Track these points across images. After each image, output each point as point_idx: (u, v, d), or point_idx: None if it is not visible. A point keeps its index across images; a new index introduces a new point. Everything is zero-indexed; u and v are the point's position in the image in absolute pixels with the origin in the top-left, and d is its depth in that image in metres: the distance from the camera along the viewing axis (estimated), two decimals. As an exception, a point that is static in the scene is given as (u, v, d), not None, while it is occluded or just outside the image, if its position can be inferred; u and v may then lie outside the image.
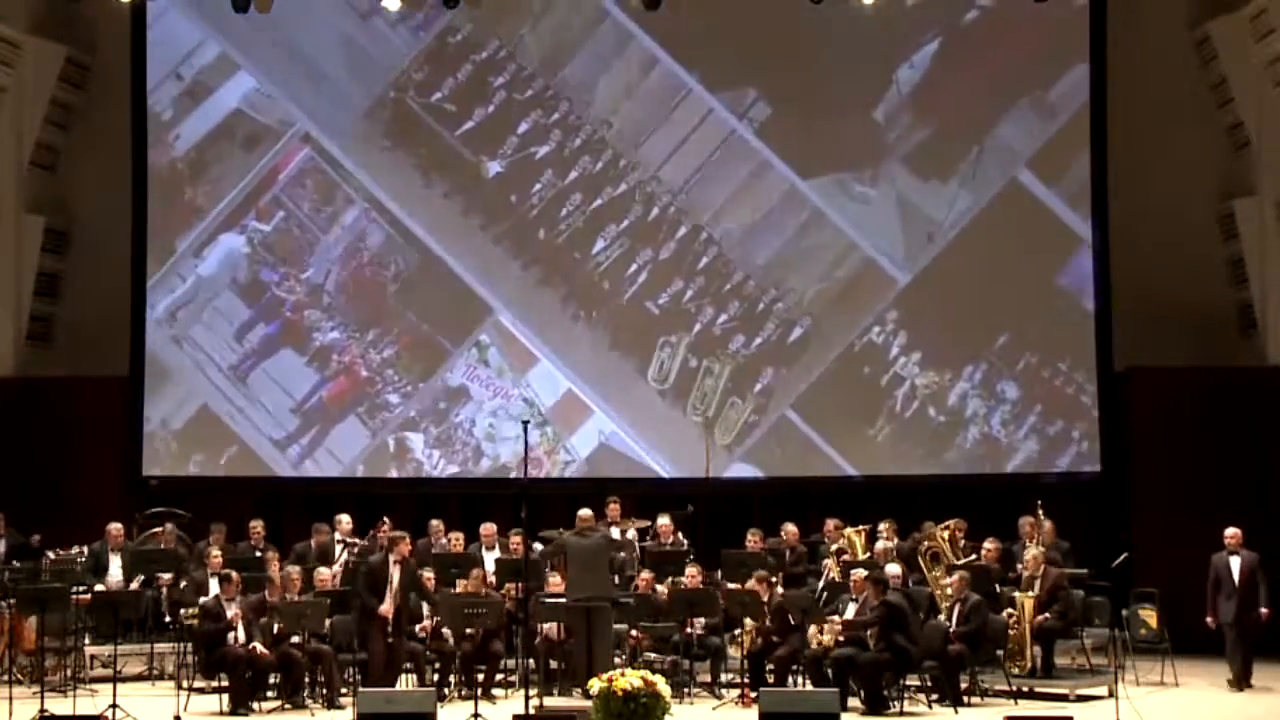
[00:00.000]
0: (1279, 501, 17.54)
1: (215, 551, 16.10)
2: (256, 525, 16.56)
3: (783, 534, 15.32)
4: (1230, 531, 15.03)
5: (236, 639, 14.22)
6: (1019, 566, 15.41)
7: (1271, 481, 17.70)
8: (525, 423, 14.07)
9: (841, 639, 13.95)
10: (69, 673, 15.09)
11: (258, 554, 16.04)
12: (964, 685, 14.30)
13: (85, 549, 16.37)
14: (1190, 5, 18.65)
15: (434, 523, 16.40)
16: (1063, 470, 17.56)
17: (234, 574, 14.65)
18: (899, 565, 14.79)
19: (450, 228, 17.20)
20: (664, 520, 15.76)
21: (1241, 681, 14.84)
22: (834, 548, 15.47)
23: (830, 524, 15.94)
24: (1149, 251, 18.14)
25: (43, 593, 14.79)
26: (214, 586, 15.25)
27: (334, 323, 17.31)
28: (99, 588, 16.12)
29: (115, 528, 16.46)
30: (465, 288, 17.15)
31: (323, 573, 15.17)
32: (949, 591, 14.63)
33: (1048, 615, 14.79)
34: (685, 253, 17.02)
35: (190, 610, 15.35)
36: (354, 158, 17.31)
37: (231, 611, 14.30)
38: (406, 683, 14.56)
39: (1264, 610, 14.68)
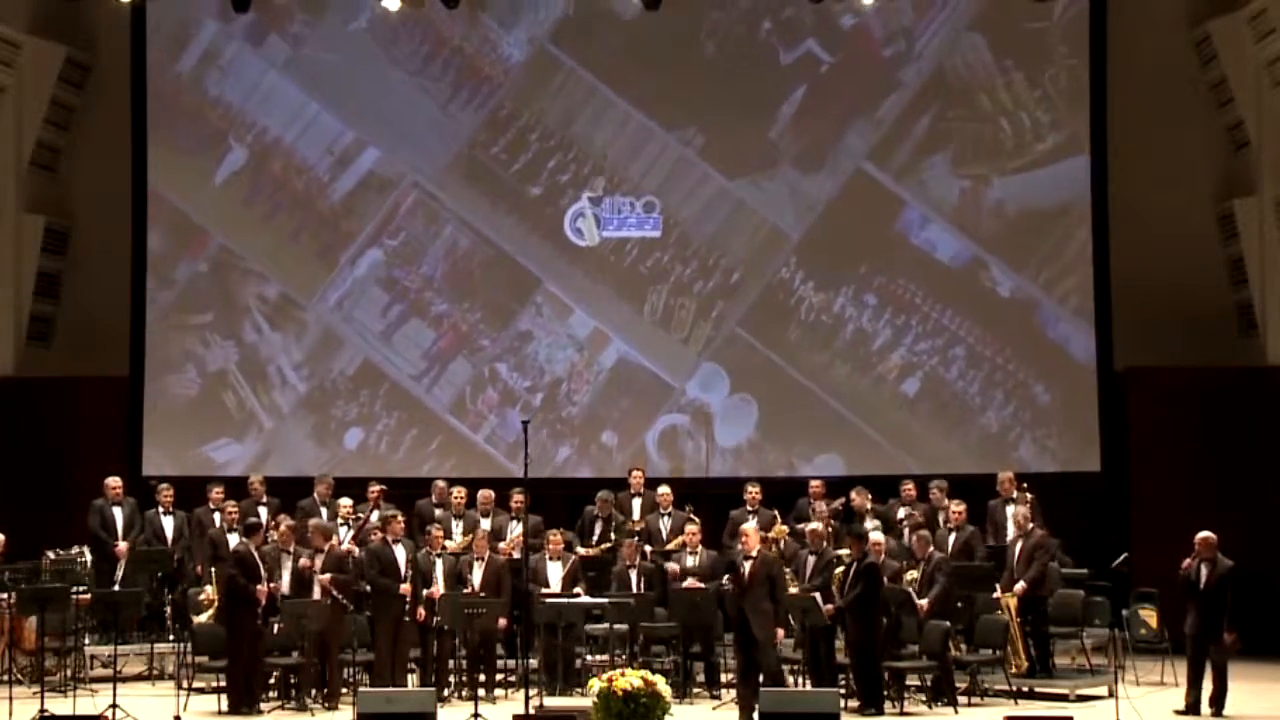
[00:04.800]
0: (1278, 501, 16.54)
1: (231, 505, 15.37)
2: (255, 480, 16.20)
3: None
4: (1200, 536, 12.94)
5: (262, 587, 12.91)
6: (1007, 532, 14.26)
7: (1270, 481, 16.52)
8: (525, 423, 14.97)
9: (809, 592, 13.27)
10: (69, 673, 13.98)
11: (260, 506, 15.87)
12: (964, 685, 13.37)
13: (85, 549, 15.27)
14: (1190, 5, 17.67)
15: (438, 483, 16.76)
16: (1053, 470, 17.41)
17: (263, 520, 13.61)
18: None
19: (511, 232, 19.64)
20: (664, 490, 16.46)
21: (1196, 704, 12.68)
22: (814, 522, 14.49)
23: (815, 484, 16.33)
24: (1148, 251, 17.35)
25: (43, 593, 13.55)
26: (232, 542, 14.20)
27: (442, 299, 19.74)
28: (120, 545, 15.24)
29: (113, 481, 15.71)
30: (524, 269, 19.61)
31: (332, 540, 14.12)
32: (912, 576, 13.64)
33: (1032, 615, 13.71)
34: (661, 234, 19.62)
35: (207, 593, 14.50)
36: (446, 194, 19.67)
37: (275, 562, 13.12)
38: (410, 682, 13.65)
39: (1228, 635, 12.77)
